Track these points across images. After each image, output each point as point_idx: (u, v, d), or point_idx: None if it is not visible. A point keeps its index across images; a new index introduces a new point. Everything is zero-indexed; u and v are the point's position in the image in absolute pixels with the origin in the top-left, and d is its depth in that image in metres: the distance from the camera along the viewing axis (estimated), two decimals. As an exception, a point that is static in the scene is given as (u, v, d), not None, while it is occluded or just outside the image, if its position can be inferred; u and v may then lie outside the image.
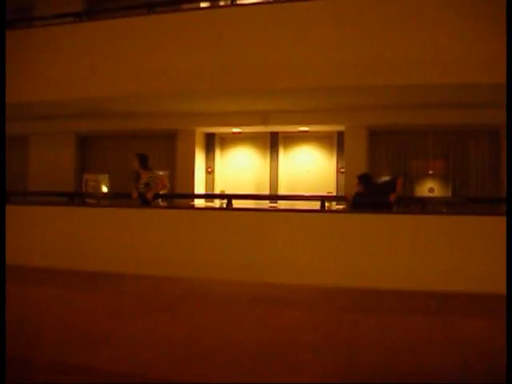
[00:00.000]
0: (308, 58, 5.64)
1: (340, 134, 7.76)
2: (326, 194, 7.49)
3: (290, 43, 5.70)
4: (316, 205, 5.54)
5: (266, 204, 7.34)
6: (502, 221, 3.93)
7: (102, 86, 6.34)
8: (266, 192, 8.01)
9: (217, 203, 7.77)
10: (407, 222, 4.84)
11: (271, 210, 6.55)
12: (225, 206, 5.76)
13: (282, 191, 7.99)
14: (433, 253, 4.61)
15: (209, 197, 8.14)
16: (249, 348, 3.07)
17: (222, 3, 7.45)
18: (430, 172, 7.39)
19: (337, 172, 7.87)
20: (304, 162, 8.05)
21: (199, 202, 7.79)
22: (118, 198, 7.54)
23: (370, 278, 4.59)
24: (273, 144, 8.20)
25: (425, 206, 5.29)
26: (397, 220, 4.94)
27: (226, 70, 5.88)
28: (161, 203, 6.04)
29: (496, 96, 4.94)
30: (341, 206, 6.81)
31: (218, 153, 8.45)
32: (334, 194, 7.70)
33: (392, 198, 5.35)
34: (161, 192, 5.93)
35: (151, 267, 5.10)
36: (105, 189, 8.17)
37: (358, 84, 5.61)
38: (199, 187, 8.17)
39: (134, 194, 5.87)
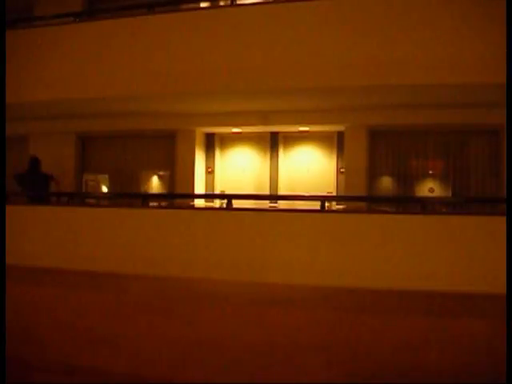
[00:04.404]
0: (308, 58, 5.64)
1: (340, 134, 7.75)
2: (326, 193, 7.49)
3: (289, 43, 5.70)
4: (316, 205, 5.53)
5: (266, 204, 7.33)
6: (501, 221, 3.92)
7: (102, 85, 6.33)
8: (266, 192, 8.00)
9: (217, 203, 7.76)
10: (407, 222, 4.84)
11: (271, 210, 6.55)
12: (225, 206, 5.76)
13: (282, 191, 7.98)
14: (433, 253, 4.61)
15: (209, 197, 8.14)
16: (249, 348, 3.07)
17: (221, 3, 7.44)
18: (430, 172, 7.39)
19: (337, 172, 7.87)
20: (304, 162, 8.05)
21: (199, 202, 7.78)
22: (117, 197, 7.54)
23: (369, 277, 4.59)
24: (273, 144, 8.19)
25: (425, 206, 5.28)
26: (397, 220, 4.94)
27: (226, 70, 5.88)
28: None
29: (496, 96, 4.94)
30: (341, 206, 6.81)
31: (218, 153, 8.44)
32: (334, 193, 7.69)
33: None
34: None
35: (151, 267, 5.10)
36: (105, 189, 8.17)
37: (358, 84, 5.61)
38: (199, 187, 8.17)
39: None
